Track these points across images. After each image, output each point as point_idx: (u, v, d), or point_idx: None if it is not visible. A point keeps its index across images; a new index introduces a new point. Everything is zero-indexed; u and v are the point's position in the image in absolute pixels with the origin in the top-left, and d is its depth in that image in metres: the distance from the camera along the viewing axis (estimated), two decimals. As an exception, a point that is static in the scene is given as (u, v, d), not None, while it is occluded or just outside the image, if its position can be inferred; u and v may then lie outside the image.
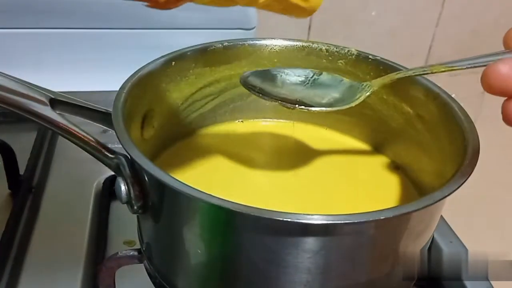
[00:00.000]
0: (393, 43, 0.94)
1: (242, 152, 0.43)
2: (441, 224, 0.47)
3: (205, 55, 0.40)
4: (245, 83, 0.36)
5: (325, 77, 0.38)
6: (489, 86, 0.26)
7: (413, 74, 0.34)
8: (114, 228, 0.47)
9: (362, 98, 0.35)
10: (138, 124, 0.37)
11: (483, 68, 0.28)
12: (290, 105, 0.35)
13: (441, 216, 0.43)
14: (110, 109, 0.33)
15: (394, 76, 0.35)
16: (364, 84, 0.36)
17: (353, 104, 0.35)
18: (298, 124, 0.45)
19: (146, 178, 0.30)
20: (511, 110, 0.26)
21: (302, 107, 0.35)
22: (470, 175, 0.29)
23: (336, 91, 0.37)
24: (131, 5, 0.66)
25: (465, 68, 0.31)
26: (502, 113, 0.27)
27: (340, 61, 0.41)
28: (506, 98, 0.27)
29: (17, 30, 0.66)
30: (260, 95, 0.35)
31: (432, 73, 0.33)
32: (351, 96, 0.36)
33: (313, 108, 0.35)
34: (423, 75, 0.35)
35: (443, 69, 0.32)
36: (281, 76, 0.37)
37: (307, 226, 0.26)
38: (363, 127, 0.43)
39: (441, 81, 0.38)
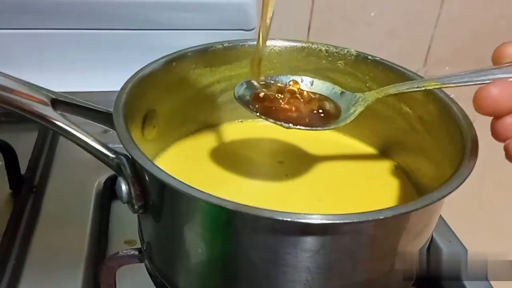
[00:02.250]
0: (392, 44, 0.94)
1: (242, 152, 0.43)
2: (440, 224, 0.47)
3: (206, 56, 0.41)
4: (242, 101, 0.36)
5: (317, 86, 0.38)
6: (480, 107, 0.28)
7: (407, 91, 0.34)
8: (115, 228, 0.47)
9: (356, 113, 0.35)
10: (139, 124, 0.37)
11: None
12: (292, 126, 0.35)
13: (440, 216, 0.43)
14: (111, 109, 0.33)
15: (388, 90, 0.35)
16: (357, 96, 0.36)
17: (348, 121, 0.35)
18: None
19: (147, 178, 0.31)
20: (500, 128, 0.28)
21: (301, 127, 0.35)
22: (468, 175, 0.29)
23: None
24: (131, 6, 0.66)
25: (458, 86, 0.31)
26: (491, 129, 0.28)
27: (340, 61, 0.41)
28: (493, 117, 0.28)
29: (18, 31, 0.66)
30: (257, 114, 0.35)
31: (425, 89, 0.33)
32: (345, 110, 0.36)
33: (313, 129, 0.35)
34: (416, 91, 0.35)
35: (436, 86, 0.32)
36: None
37: (306, 225, 0.27)
38: (362, 128, 0.43)
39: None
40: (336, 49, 0.42)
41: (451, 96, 0.36)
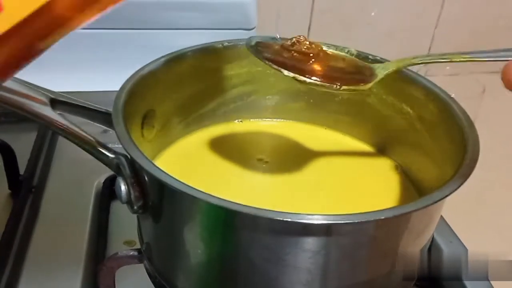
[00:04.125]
0: (392, 44, 0.94)
1: (241, 152, 0.43)
2: (441, 224, 0.47)
3: (205, 55, 0.40)
4: (257, 54, 0.33)
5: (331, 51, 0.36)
6: (509, 81, 0.27)
7: (431, 61, 0.32)
8: (114, 228, 0.47)
9: (377, 79, 0.33)
10: (138, 124, 0.37)
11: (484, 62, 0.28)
12: (307, 79, 0.32)
13: (441, 216, 0.43)
14: (111, 109, 0.33)
15: (412, 60, 0.33)
16: (376, 66, 0.34)
17: (367, 87, 0.33)
18: (297, 124, 0.45)
19: (146, 178, 0.30)
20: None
21: (317, 80, 0.32)
22: (469, 175, 0.29)
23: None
24: (131, 6, 0.66)
25: (485, 60, 0.30)
26: (502, 77, 0.27)
27: (340, 61, 0.41)
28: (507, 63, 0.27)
29: (17, 30, 0.66)
30: (280, 68, 0.32)
31: (450, 61, 0.32)
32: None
33: (330, 85, 0.32)
34: (440, 62, 0.33)
35: (463, 59, 0.31)
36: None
37: (307, 226, 0.26)
38: (362, 128, 0.43)
39: (441, 81, 0.38)
40: (336, 48, 0.41)
41: (451, 96, 0.36)
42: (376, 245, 0.29)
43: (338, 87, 0.32)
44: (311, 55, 0.34)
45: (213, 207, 0.27)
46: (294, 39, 0.34)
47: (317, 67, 0.33)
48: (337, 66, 0.34)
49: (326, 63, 0.34)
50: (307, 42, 0.34)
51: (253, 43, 0.34)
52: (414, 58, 0.34)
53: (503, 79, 0.27)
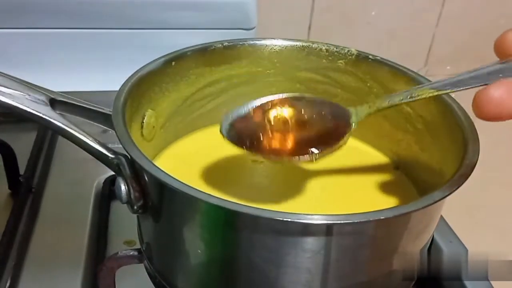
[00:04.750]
0: (393, 43, 0.94)
1: (241, 152, 0.42)
2: (441, 224, 0.47)
3: (205, 55, 0.40)
4: (230, 137, 0.34)
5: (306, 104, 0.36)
6: (482, 112, 0.25)
7: (400, 102, 0.33)
8: (114, 228, 0.47)
9: (346, 139, 0.34)
10: (138, 124, 0.37)
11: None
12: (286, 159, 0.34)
13: (441, 216, 0.43)
14: (110, 109, 0.33)
15: (381, 104, 0.34)
16: (349, 111, 0.35)
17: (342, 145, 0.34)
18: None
19: (146, 178, 0.31)
20: (485, 98, 0.25)
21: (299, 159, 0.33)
22: (470, 175, 0.29)
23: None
24: (131, 5, 0.66)
25: (454, 91, 0.30)
26: (474, 102, 0.26)
27: (340, 61, 0.41)
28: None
29: (17, 30, 0.66)
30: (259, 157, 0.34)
31: (420, 98, 0.31)
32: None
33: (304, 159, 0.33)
34: (410, 102, 0.33)
35: (430, 94, 0.31)
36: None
37: (307, 226, 0.26)
38: (362, 127, 0.43)
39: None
40: (336, 48, 0.41)
41: (452, 96, 0.36)
42: (376, 245, 0.29)
43: (314, 158, 0.33)
44: (283, 123, 0.35)
45: (213, 207, 0.27)
46: (260, 104, 0.36)
47: (289, 140, 0.34)
48: (312, 128, 0.35)
49: (300, 128, 0.35)
50: (278, 108, 0.35)
51: (228, 127, 0.35)
52: (383, 101, 0.34)
53: (474, 110, 0.26)
